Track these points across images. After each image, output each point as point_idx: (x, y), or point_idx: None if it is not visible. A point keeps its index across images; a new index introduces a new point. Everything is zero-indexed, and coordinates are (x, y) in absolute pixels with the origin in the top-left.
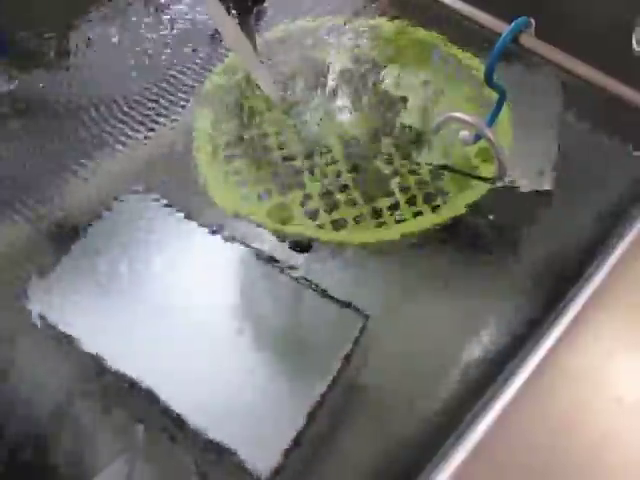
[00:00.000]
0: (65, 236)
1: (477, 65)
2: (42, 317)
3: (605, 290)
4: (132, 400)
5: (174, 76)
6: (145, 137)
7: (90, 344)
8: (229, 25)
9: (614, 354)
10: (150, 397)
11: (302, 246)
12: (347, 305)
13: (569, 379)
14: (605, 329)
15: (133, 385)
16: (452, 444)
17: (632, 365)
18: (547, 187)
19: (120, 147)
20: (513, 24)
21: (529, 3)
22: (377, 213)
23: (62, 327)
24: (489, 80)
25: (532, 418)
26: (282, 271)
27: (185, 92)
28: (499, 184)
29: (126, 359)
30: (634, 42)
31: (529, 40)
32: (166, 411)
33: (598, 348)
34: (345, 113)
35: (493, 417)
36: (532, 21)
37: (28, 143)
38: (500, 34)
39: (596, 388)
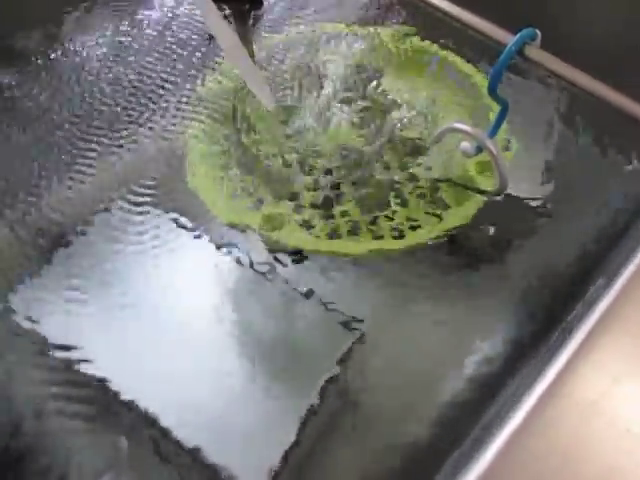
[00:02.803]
0: (53, 242)
1: (476, 75)
2: (26, 323)
3: (612, 313)
4: (116, 412)
5: (168, 81)
6: (137, 143)
7: (74, 351)
8: (225, 31)
9: (622, 382)
10: (135, 409)
11: (296, 255)
12: (340, 316)
13: (575, 408)
14: (613, 355)
15: (117, 396)
16: (452, 471)
17: None
18: (548, 200)
19: (111, 152)
20: (518, 35)
21: (535, 13)
22: (373, 224)
23: (45, 334)
24: (492, 92)
25: (536, 449)
26: (275, 280)
27: (179, 97)
28: (499, 197)
29: (111, 369)
30: None
31: (534, 52)
32: (153, 424)
33: (605, 376)
34: (342, 121)
35: (497, 448)
36: (538, 33)
37: (13, 148)
38: (505, 45)
39: (603, 418)
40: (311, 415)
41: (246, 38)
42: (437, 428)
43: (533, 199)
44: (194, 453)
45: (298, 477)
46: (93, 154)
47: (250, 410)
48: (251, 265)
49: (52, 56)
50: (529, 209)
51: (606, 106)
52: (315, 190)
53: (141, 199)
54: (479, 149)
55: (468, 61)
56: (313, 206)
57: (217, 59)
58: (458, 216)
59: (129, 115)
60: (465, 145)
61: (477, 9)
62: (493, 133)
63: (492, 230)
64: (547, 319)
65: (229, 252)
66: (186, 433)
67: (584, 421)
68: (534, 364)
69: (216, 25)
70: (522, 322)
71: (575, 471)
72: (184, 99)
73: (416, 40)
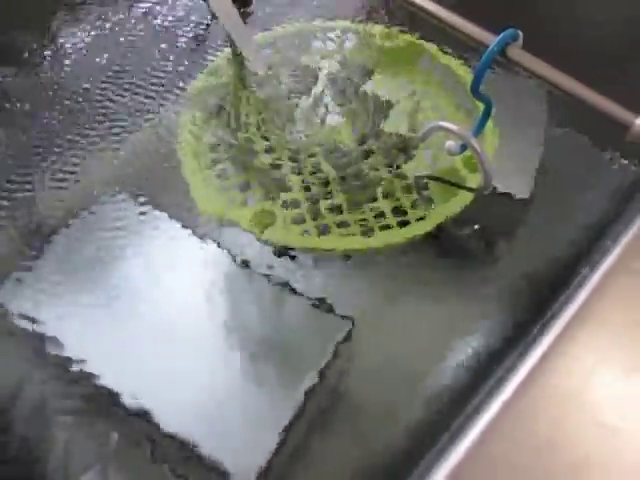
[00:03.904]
0: (43, 237)
1: (465, 73)
2: (18, 318)
3: (589, 307)
4: (107, 405)
5: (159, 77)
6: (128, 138)
7: (66, 347)
8: None
9: (597, 375)
10: (127, 403)
11: (286, 252)
12: (331, 311)
13: (551, 400)
14: (589, 349)
15: (109, 390)
16: (433, 461)
17: (615, 387)
18: (530, 197)
19: (103, 148)
20: (501, 36)
21: (517, 15)
22: (362, 220)
23: (37, 329)
24: (475, 91)
25: (514, 438)
26: (266, 276)
27: (171, 93)
28: (484, 194)
29: (103, 363)
30: None
31: (516, 52)
32: (144, 417)
33: (581, 368)
34: (332, 119)
35: (474, 436)
36: (520, 33)
37: (5, 144)
38: (488, 45)
39: (578, 410)
40: (302, 409)
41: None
42: (421, 418)
43: (518, 197)
44: (185, 447)
45: (289, 468)
46: (84, 151)
47: (241, 405)
48: (242, 262)
49: (45, 53)
50: (513, 206)
51: (585, 104)
52: (305, 187)
53: (132, 195)
54: (464, 147)
55: (456, 59)
56: (303, 203)
57: (208, 56)
58: (445, 212)
59: (120, 112)
60: (450, 143)
61: (462, 11)
62: (477, 131)
63: (478, 226)
64: (528, 313)
65: (219, 248)
66: (177, 428)
67: (560, 412)
68: (513, 356)
69: None
70: (504, 316)
71: (551, 460)
72: (175, 96)
73: (406, 39)
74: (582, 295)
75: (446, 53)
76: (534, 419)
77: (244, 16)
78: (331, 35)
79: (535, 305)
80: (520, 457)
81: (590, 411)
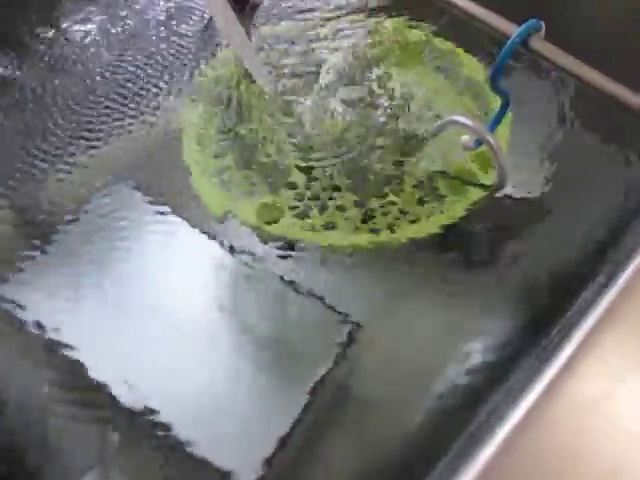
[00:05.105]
0: (46, 233)
1: (481, 67)
2: (20, 315)
3: (612, 312)
4: (109, 404)
5: (164, 69)
6: (132, 130)
7: (70, 345)
8: (224, 12)
9: (624, 381)
10: (129, 402)
11: (291, 247)
12: (335, 309)
13: (576, 407)
14: (614, 354)
15: (111, 388)
16: (449, 469)
17: None
18: (548, 196)
19: (106, 140)
20: (523, 26)
21: (540, 5)
22: (369, 217)
23: (39, 326)
24: (494, 85)
25: (537, 448)
26: (270, 273)
27: (175, 84)
28: (498, 191)
29: (105, 360)
30: None
31: (538, 43)
32: (146, 417)
33: (606, 375)
34: (339, 113)
35: (495, 446)
36: (542, 24)
37: (8, 135)
38: (508, 36)
39: (604, 418)
40: (305, 409)
41: (245, 26)
42: (434, 425)
43: (533, 194)
44: (186, 447)
45: (292, 470)
46: (87, 143)
47: (245, 404)
48: (245, 257)
49: (49, 42)
50: (528, 204)
51: (610, 100)
52: (311, 182)
53: (136, 189)
54: (479, 142)
55: (471, 53)
56: (309, 198)
57: (214, 48)
58: (455, 210)
59: (125, 103)
60: (465, 138)
61: (482, 1)
62: (493, 127)
63: (491, 225)
64: (546, 317)
65: (223, 243)
66: (179, 428)
67: (583, 420)
68: (533, 362)
69: (215, 5)
70: (521, 319)
71: (574, 470)
72: (180, 88)
73: (418, 32)
74: (605, 299)
75: (459, 47)
76: (556, 427)
77: (253, 9)
78: (341, 29)
79: (551, 307)
80: (543, 467)
81: (615, 419)
